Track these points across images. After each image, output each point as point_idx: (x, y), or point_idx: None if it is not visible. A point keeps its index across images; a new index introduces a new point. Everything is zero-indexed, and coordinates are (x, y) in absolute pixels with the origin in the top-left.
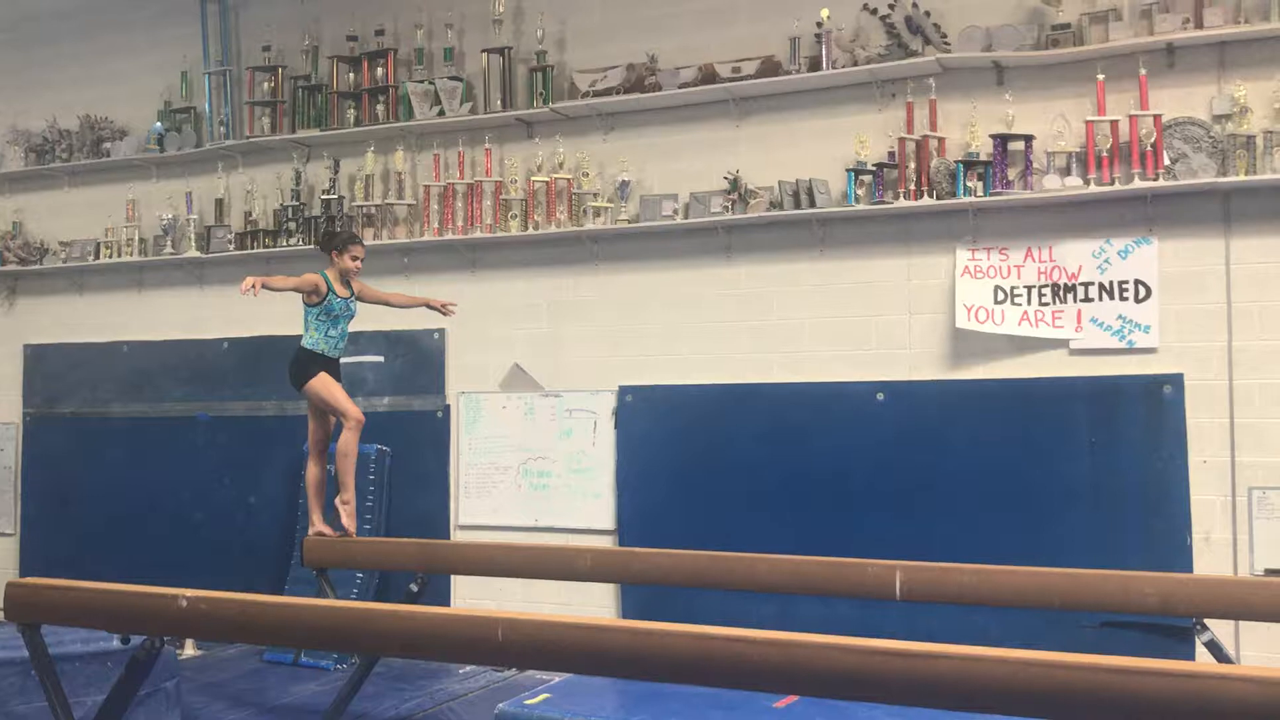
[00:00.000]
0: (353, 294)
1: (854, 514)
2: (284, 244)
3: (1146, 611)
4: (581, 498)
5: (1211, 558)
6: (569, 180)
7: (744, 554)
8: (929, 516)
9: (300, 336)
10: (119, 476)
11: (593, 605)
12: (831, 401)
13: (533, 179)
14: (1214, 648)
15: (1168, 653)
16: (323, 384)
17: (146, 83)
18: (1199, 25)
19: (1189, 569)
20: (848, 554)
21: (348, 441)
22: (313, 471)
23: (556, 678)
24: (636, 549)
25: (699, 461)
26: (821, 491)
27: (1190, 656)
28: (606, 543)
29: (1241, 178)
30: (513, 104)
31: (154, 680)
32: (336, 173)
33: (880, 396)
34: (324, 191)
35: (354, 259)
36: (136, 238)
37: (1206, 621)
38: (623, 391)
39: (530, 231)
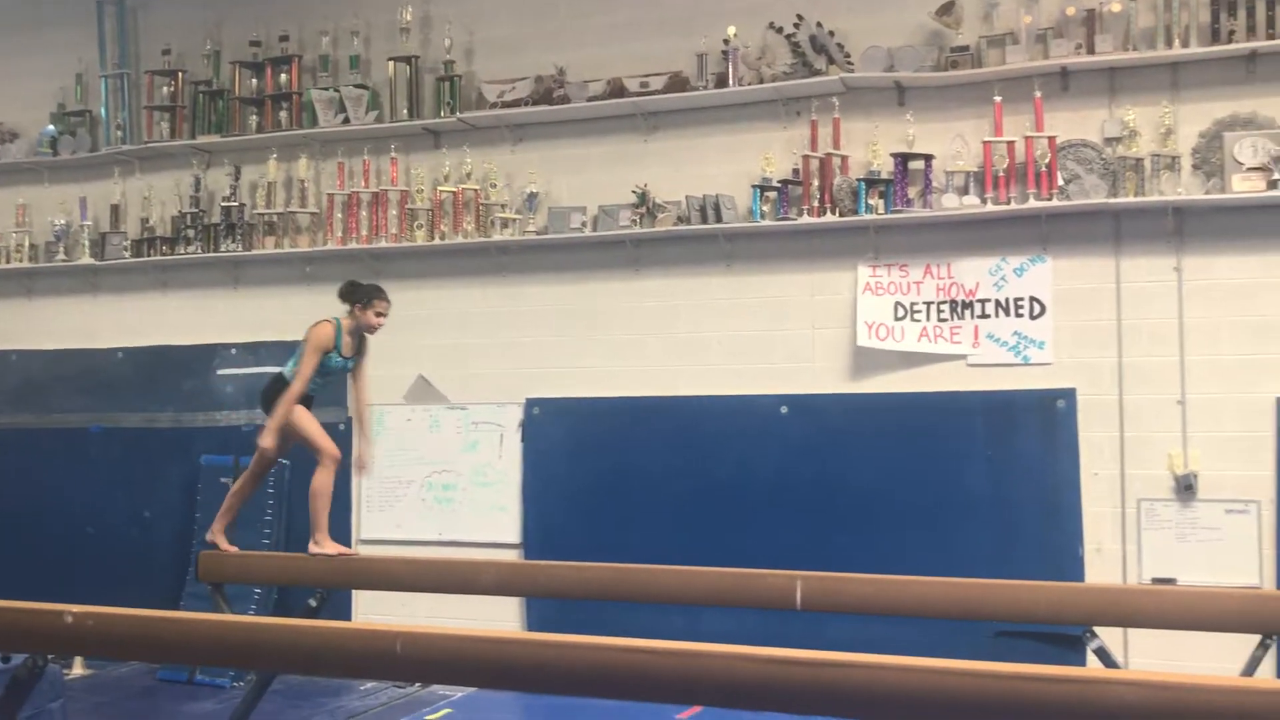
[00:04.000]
0: (356, 355)
1: (759, 526)
2: (182, 252)
3: (1040, 620)
4: (487, 511)
5: (1103, 567)
6: (476, 191)
7: (649, 566)
8: (832, 528)
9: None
10: (6, 490)
11: (499, 620)
12: (737, 414)
13: (439, 189)
14: (1102, 654)
15: (1060, 660)
16: (301, 417)
17: (40, 85)
18: (1091, 51)
19: (1081, 578)
20: (753, 565)
21: (322, 482)
22: (240, 485)
23: (460, 693)
24: (542, 562)
25: (606, 474)
26: (727, 503)
27: (1081, 663)
28: (512, 556)
29: (1131, 199)
30: (419, 113)
31: (37, 701)
32: (237, 180)
33: (784, 409)
34: (224, 199)
35: (379, 315)
36: (26, 244)
37: (1097, 629)
38: (530, 404)
39: (436, 242)
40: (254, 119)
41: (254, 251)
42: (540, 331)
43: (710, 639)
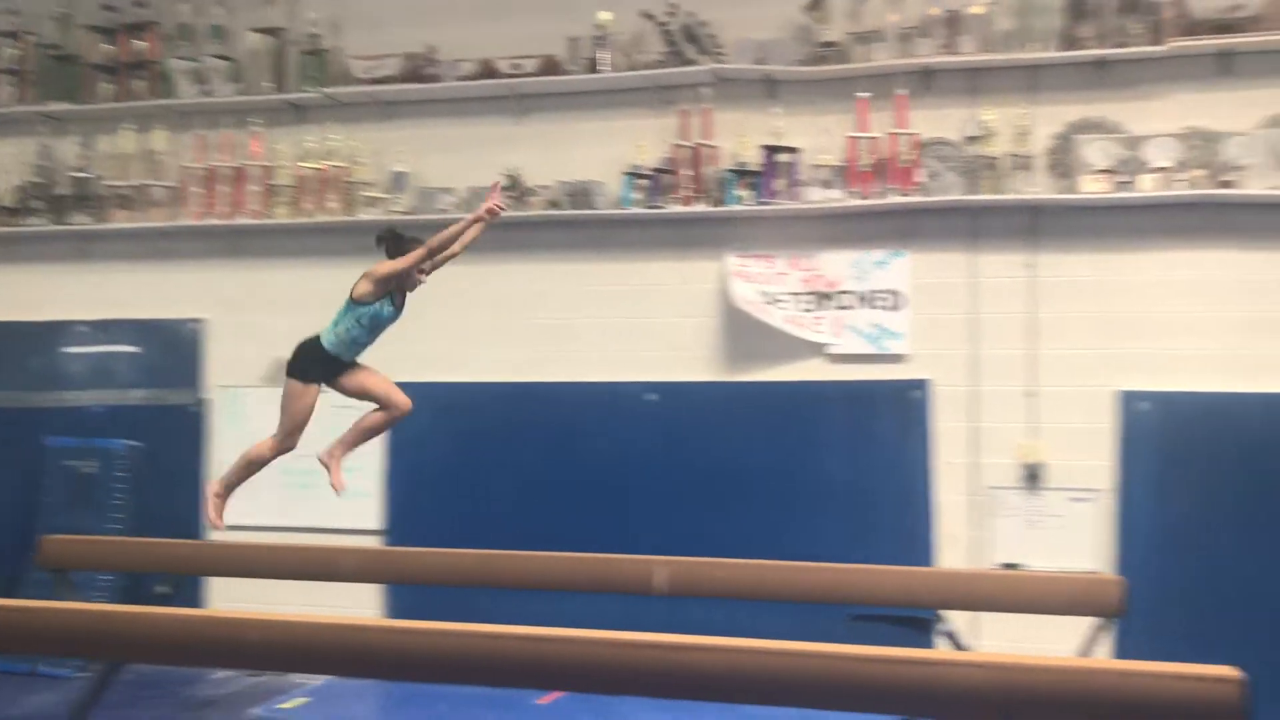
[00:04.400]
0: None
1: (626, 512)
2: (27, 223)
3: (893, 604)
4: (348, 497)
5: (955, 553)
6: (342, 168)
7: (514, 552)
8: (698, 513)
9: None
10: None
11: (359, 608)
12: (606, 401)
13: (303, 165)
14: (951, 637)
15: (912, 642)
16: (301, 397)
17: None
18: (953, 51)
19: (933, 563)
20: (620, 551)
21: (259, 451)
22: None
23: (317, 680)
24: (403, 548)
25: (472, 460)
26: (596, 490)
27: (932, 646)
28: (375, 543)
29: (988, 196)
30: (284, 87)
31: None
32: (89, 150)
33: (653, 397)
34: (74, 169)
35: (422, 271)
36: None
37: (949, 612)
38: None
39: (300, 220)
40: (108, 87)
41: (105, 225)
42: (407, 314)
43: (573, 625)
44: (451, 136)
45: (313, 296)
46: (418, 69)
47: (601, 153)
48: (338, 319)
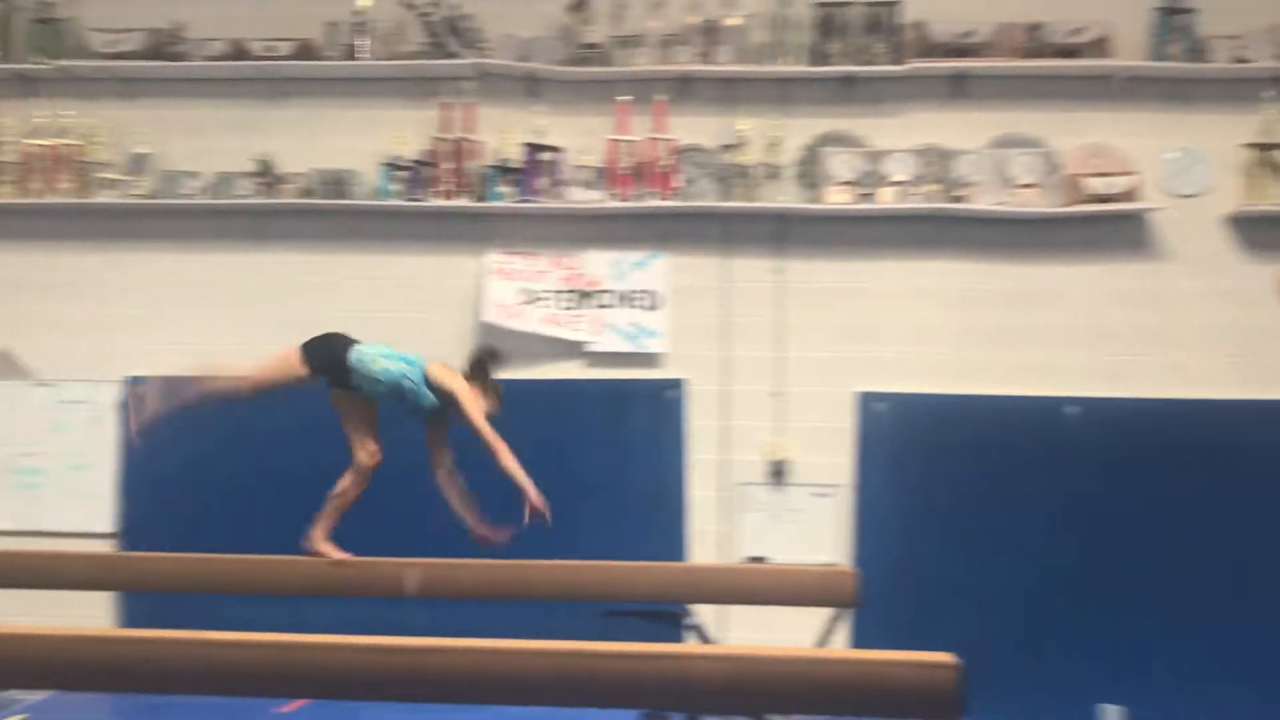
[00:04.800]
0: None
1: (379, 512)
2: None
3: (645, 599)
4: (79, 499)
5: (706, 548)
6: (76, 147)
7: (251, 556)
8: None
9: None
10: None
11: (90, 617)
12: None
13: (32, 142)
14: (698, 630)
15: (665, 636)
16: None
17: None
18: (710, 61)
19: (685, 558)
20: (374, 553)
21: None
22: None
23: (38, 696)
24: (137, 553)
25: (218, 459)
26: None
27: (682, 639)
28: (108, 548)
29: (740, 203)
30: (11, 56)
31: None
32: None
33: None
34: None
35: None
36: None
37: (700, 606)
38: (131, 382)
39: (28, 200)
40: None
41: None
42: (148, 303)
43: (318, 630)
44: (199, 118)
45: (42, 282)
46: (162, 46)
47: (359, 142)
48: (396, 356)
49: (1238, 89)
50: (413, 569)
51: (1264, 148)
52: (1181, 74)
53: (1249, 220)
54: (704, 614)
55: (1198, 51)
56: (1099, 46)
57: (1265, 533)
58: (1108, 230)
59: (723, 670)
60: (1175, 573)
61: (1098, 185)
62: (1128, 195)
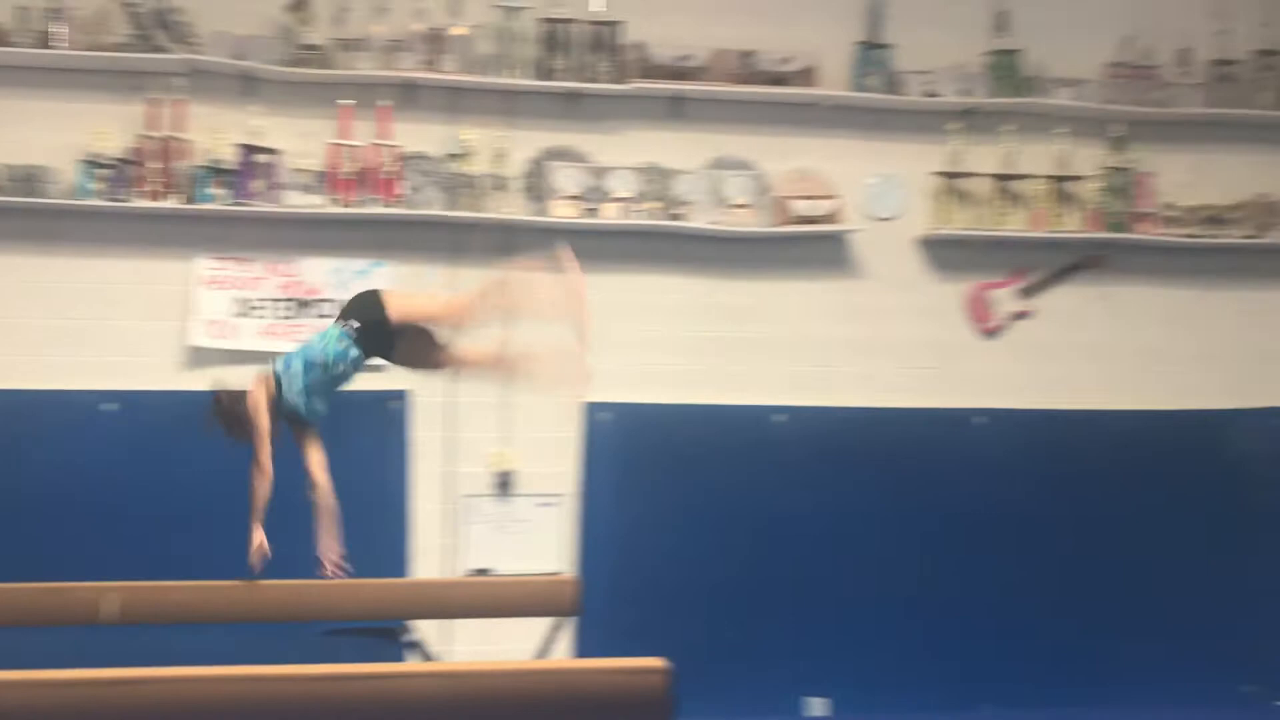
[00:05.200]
0: None
1: (75, 533)
2: None
3: (365, 617)
4: None
5: (430, 562)
6: None
7: None
8: (164, 535)
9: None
10: None
11: None
12: (53, 412)
13: None
14: (419, 647)
15: (386, 654)
16: None
17: None
18: (436, 69)
19: (409, 573)
20: (71, 578)
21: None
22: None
23: None
24: None
25: None
26: (38, 511)
27: (403, 657)
28: None
29: (466, 213)
30: None
31: None
32: None
33: (112, 406)
34: None
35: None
36: None
37: (424, 621)
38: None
39: None
40: None
41: None
42: None
43: (10, 663)
44: None
45: None
46: None
47: (55, 137)
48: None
49: (928, 121)
50: (112, 593)
51: (951, 175)
52: (879, 105)
53: (938, 243)
54: (429, 629)
55: (894, 85)
56: (806, 76)
57: (951, 531)
58: (813, 249)
59: (438, 688)
60: (873, 569)
61: (804, 207)
62: (831, 217)
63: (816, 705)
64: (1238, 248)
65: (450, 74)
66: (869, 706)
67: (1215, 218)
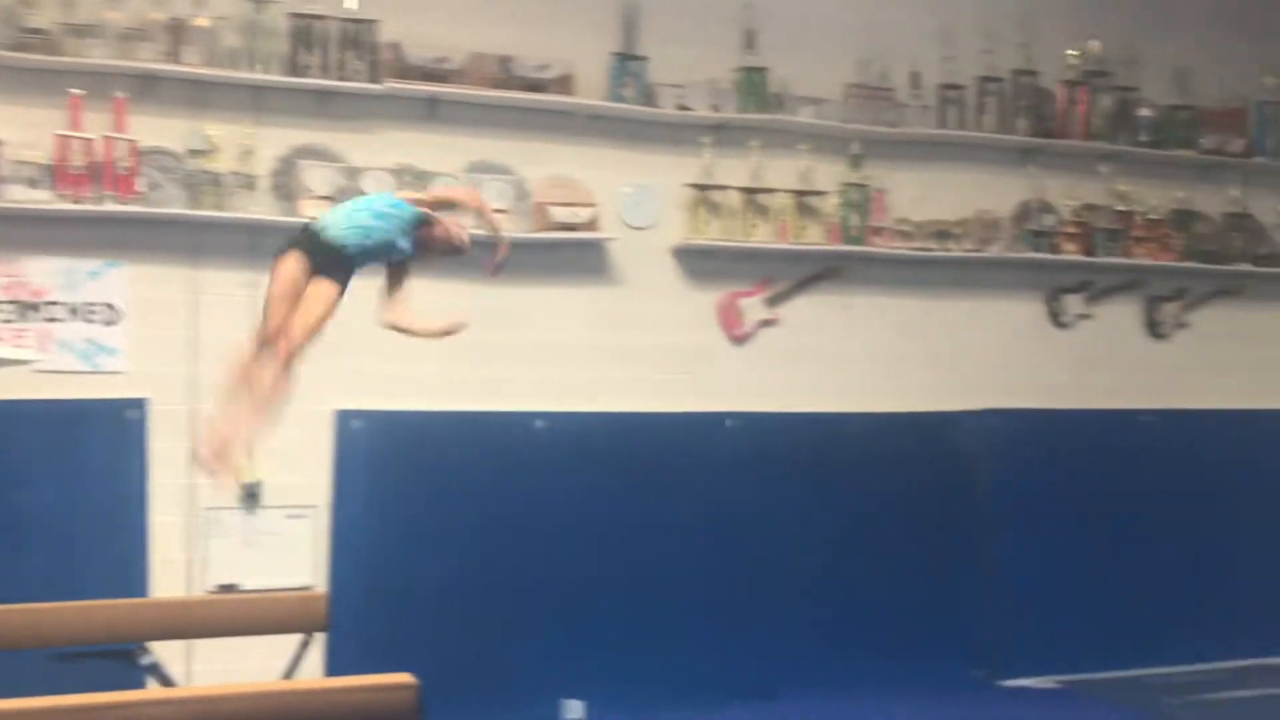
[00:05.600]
0: None
1: None
2: None
3: (98, 640)
4: None
5: (172, 579)
6: None
7: None
8: None
9: None
10: None
11: None
12: None
13: None
14: (155, 671)
15: (121, 680)
16: None
17: None
18: (176, 60)
19: (147, 592)
20: None
21: None
22: None
23: None
24: None
25: None
26: None
27: (142, 682)
28: None
29: (210, 213)
30: None
31: None
32: None
33: None
34: None
35: None
36: None
37: (165, 642)
38: None
39: None
40: None
41: None
42: None
43: None
44: None
45: None
46: None
47: None
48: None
49: (682, 133)
50: None
51: (702, 188)
52: (635, 116)
53: (691, 252)
54: (171, 650)
55: (649, 96)
56: (563, 84)
57: (704, 531)
58: (572, 256)
59: (175, 715)
60: (628, 571)
61: (563, 214)
62: (589, 225)
63: (573, 708)
64: (962, 260)
65: (193, 66)
66: (625, 707)
67: (943, 232)
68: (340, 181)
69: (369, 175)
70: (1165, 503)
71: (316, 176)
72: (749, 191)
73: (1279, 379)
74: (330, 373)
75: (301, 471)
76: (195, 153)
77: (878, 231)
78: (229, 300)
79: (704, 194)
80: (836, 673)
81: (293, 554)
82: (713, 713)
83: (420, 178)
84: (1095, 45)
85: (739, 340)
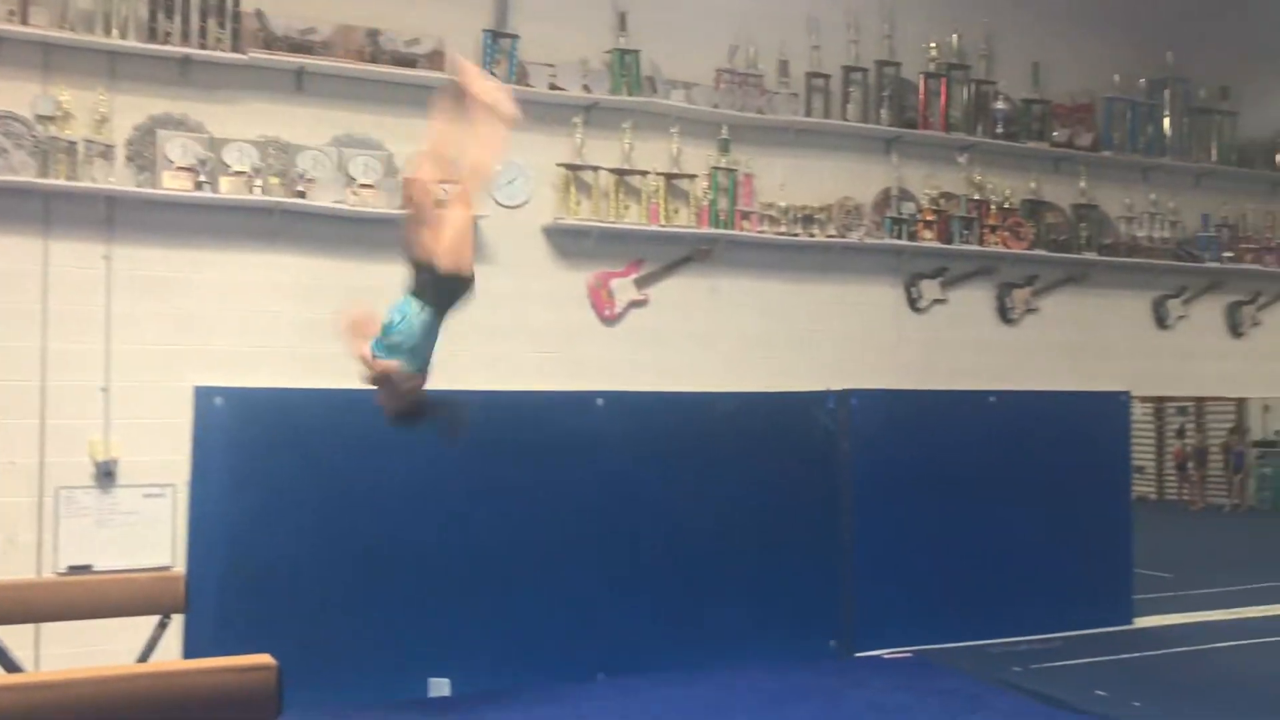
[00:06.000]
0: None
1: None
2: None
3: None
4: None
5: (22, 560)
6: None
7: None
8: None
9: None
10: None
11: None
12: None
13: None
14: (1, 656)
15: None
16: None
17: None
18: (24, 21)
19: None
20: None
21: None
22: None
23: None
24: None
25: None
26: None
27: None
28: None
29: (62, 182)
30: None
31: None
32: None
33: None
34: None
35: None
36: None
37: (12, 627)
38: None
39: None
40: None
41: None
42: None
43: None
44: None
45: None
46: None
47: None
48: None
49: (553, 113)
50: None
51: (574, 168)
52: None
53: (562, 232)
54: (18, 634)
55: (521, 75)
56: (433, 59)
57: (573, 508)
58: None
59: (20, 701)
60: (494, 548)
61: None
62: None
63: (439, 686)
64: (826, 246)
65: (42, 28)
66: (490, 682)
67: (808, 217)
68: (202, 152)
69: (232, 147)
70: (1011, 481)
71: (177, 147)
72: (620, 173)
73: (1118, 362)
74: (190, 349)
75: (159, 449)
76: (45, 119)
77: (745, 215)
78: (83, 273)
79: (575, 174)
80: (700, 645)
81: (150, 534)
82: (579, 686)
83: (285, 151)
84: (955, 39)
85: (610, 320)
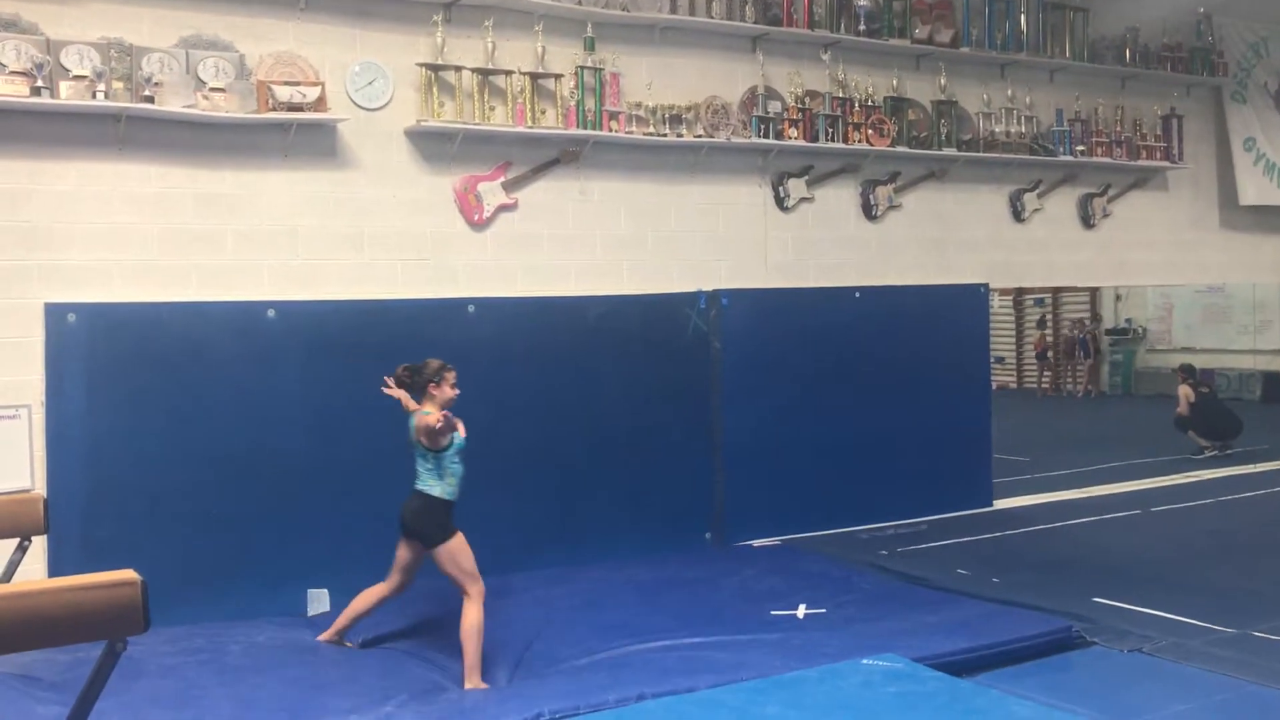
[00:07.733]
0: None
1: None
2: None
3: None
4: None
5: None
6: None
7: None
8: None
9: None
10: None
11: None
12: None
13: None
14: None
15: None
16: (463, 547)
17: None
18: None
19: None
20: None
21: (474, 620)
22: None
23: None
24: None
25: None
26: None
27: None
28: None
29: None
30: None
31: None
32: None
33: None
34: None
35: (453, 385)
36: None
37: None
38: None
39: None
40: None
41: None
42: None
43: None
44: None
45: None
46: None
47: None
48: (438, 469)
49: (412, 10)
50: None
51: (435, 68)
52: None
53: (425, 135)
54: None
55: None
56: None
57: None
58: (300, 138)
59: None
60: (363, 459)
61: (287, 94)
62: (316, 105)
63: (318, 598)
64: (694, 145)
65: None
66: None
67: (675, 117)
68: (38, 55)
69: (71, 49)
70: (877, 374)
71: (11, 50)
72: (484, 73)
73: (976, 255)
74: (38, 264)
75: (12, 369)
76: None
77: (613, 116)
78: None
79: (437, 74)
80: (578, 544)
81: (6, 456)
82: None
83: (129, 53)
84: None
85: (478, 225)
